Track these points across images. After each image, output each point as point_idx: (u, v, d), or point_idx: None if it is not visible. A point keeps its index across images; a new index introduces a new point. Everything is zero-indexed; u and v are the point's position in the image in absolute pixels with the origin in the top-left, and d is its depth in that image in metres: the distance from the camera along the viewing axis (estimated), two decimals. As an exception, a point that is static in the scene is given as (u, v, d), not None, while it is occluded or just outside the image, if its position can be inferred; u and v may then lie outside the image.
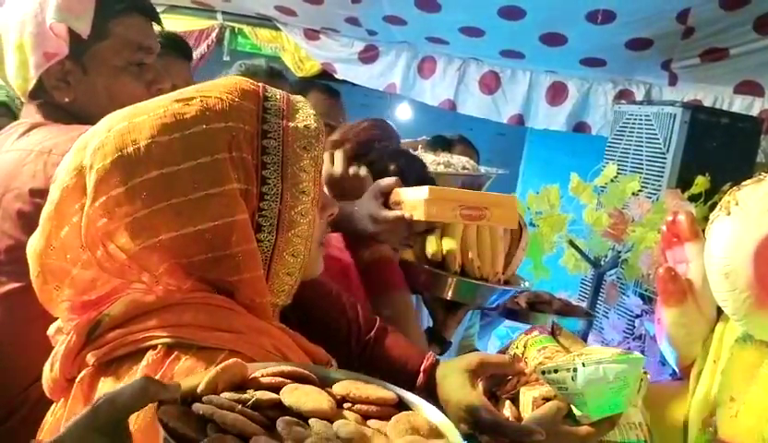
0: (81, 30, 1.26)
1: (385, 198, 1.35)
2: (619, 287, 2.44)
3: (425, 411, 0.75)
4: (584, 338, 1.89)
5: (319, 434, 0.64)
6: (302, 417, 0.67)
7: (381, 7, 3.22)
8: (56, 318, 0.92)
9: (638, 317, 2.31)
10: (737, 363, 1.11)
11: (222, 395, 0.67)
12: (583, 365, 0.92)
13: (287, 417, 0.65)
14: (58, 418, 0.86)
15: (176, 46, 1.97)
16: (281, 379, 0.71)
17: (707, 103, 3.05)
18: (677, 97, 3.12)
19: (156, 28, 1.42)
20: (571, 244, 2.39)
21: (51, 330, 0.92)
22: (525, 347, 1.10)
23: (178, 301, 0.83)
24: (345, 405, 0.73)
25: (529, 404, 0.99)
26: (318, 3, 3.31)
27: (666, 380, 1.76)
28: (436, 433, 0.71)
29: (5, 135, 1.31)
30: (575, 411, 0.95)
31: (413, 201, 1.29)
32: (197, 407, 0.64)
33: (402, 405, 0.76)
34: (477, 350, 1.95)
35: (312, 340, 0.92)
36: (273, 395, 0.68)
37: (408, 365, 1.08)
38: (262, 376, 0.71)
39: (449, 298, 1.40)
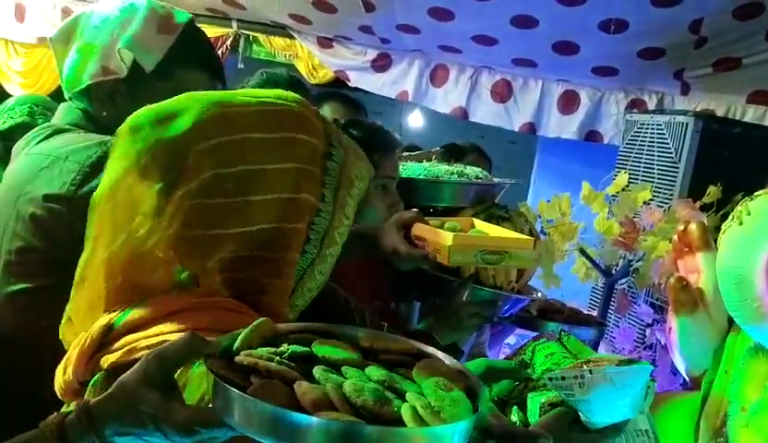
0: (145, 65, 1.33)
1: (406, 230, 1.37)
2: (630, 296, 2.44)
3: (442, 358, 0.79)
4: (595, 347, 1.89)
5: (354, 379, 0.68)
6: (334, 367, 0.71)
7: (394, 16, 3.24)
8: (59, 319, 0.95)
9: (649, 326, 2.31)
10: (748, 373, 1.11)
11: (258, 350, 0.71)
12: (590, 372, 0.93)
13: (322, 365, 0.70)
14: None
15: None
16: (309, 335, 0.76)
17: (720, 113, 3.05)
18: (689, 106, 3.12)
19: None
20: (582, 252, 2.39)
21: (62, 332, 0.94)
22: (533, 353, 1.11)
23: (191, 305, 0.85)
24: (370, 357, 0.77)
25: (536, 410, 1.00)
26: (331, 11, 3.34)
27: (677, 390, 1.76)
28: (456, 375, 0.75)
29: (28, 137, 1.35)
30: (582, 417, 0.96)
31: (436, 243, 1.32)
32: (240, 358, 0.69)
33: (421, 356, 0.80)
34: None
35: None
36: (306, 348, 0.73)
37: None
38: (291, 332, 0.76)
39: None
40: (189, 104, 0.91)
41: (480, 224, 1.51)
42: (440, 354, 0.80)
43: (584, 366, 0.95)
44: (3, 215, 1.29)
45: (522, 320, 1.75)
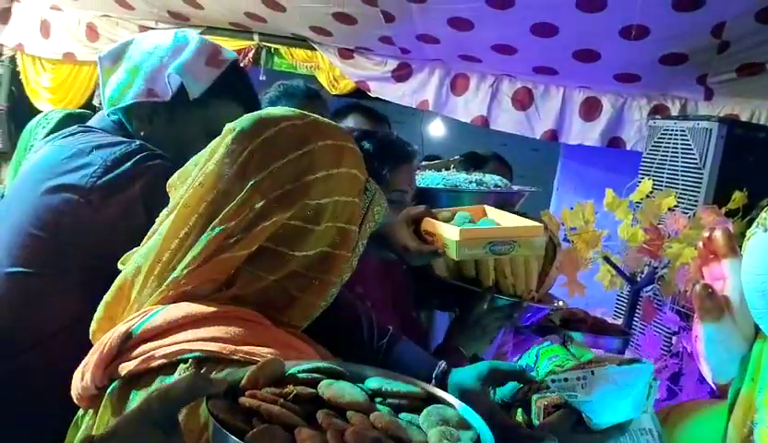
0: (191, 92, 1.39)
1: (416, 225, 1.37)
2: (656, 304, 2.41)
3: (452, 404, 0.79)
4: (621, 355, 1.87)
5: (358, 425, 0.67)
6: (339, 410, 0.71)
7: (414, 26, 3.26)
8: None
9: (675, 333, 2.28)
10: (776, 381, 1.10)
11: (263, 390, 0.71)
12: (592, 372, 0.94)
13: (326, 410, 0.70)
14: (88, 428, 0.89)
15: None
16: (317, 375, 0.75)
17: (744, 118, 3.01)
18: (712, 112, 3.09)
19: None
20: (607, 260, 2.37)
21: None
22: (537, 356, 1.12)
23: (208, 315, 0.87)
24: (377, 399, 0.77)
25: (540, 412, 1.00)
26: (352, 22, 3.36)
27: (705, 398, 1.73)
28: (464, 424, 0.75)
29: (57, 134, 1.39)
30: (585, 418, 0.97)
31: (444, 239, 1.32)
32: (243, 400, 0.69)
33: (429, 400, 0.80)
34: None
35: (327, 346, 0.96)
36: (312, 389, 0.73)
37: (420, 372, 1.10)
38: (299, 372, 0.75)
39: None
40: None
41: (493, 212, 1.49)
42: (450, 399, 0.80)
43: (586, 367, 0.95)
44: (20, 197, 1.33)
45: (544, 330, 1.73)
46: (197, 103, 1.39)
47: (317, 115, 0.98)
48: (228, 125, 0.96)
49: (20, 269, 1.26)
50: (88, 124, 1.43)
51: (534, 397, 1.03)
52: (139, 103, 1.39)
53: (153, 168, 1.26)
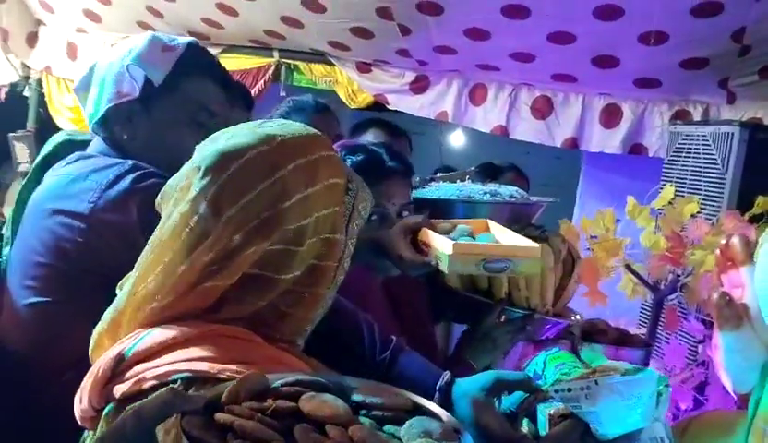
0: (154, 79, 1.41)
1: (413, 236, 1.37)
2: (680, 312, 2.38)
3: (438, 414, 0.78)
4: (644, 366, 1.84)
5: (335, 439, 0.67)
6: (320, 424, 0.70)
7: (430, 38, 3.27)
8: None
9: (700, 342, 2.24)
10: (796, 390, 1.07)
11: (243, 404, 0.70)
12: (596, 382, 0.93)
13: (304, 424, 0.69)
14: None
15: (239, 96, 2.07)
16: (299, 388, 0.75)
17: (767, 121, 2.96)
18: (736, 115, 3.03)
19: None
20: (628, 268, 2.35)
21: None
22: (544, 364, 1.11)
23: (198, 335, 0.88)
24: (361, 412, 0.76)
25: (546, 422, 0.99)
26: (369, 37, 3.39)
27: (731, 408, 1.70)
28: (449, 436, 0.74)
29: (59, 164, 1.43)
30: (592, 428, 0.96)
31: (438, 252, 1.31)
32: (218, 416, 0.68)
33: (416, 412, 0.79)
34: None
35: (328, 359, 0.96)
36: (292, 403, 0.72)
37: (424, 384, 1.10)
38: (281, 385, 0.75)
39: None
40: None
41: (495, 228, 1.48)
42: (438, 410, 0.79)
43: (590, 377, 0.94)
44: (26, 230, 1.37)
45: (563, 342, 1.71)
46: (167, 89, 1.41)
47: (284, 135, 0.93)
48: (192, 164, 0.93)
49: (36, 299, 1.29)
50: (87, 151, 1.46)
51: (541, 407, 1.02)
52: (115, 107, 1.41)
53: (147, 187, 1.27)
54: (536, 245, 1.34)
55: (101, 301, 1.00)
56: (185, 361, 0.84)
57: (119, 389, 0.86)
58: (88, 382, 0.90)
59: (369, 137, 2.56)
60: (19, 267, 1.34)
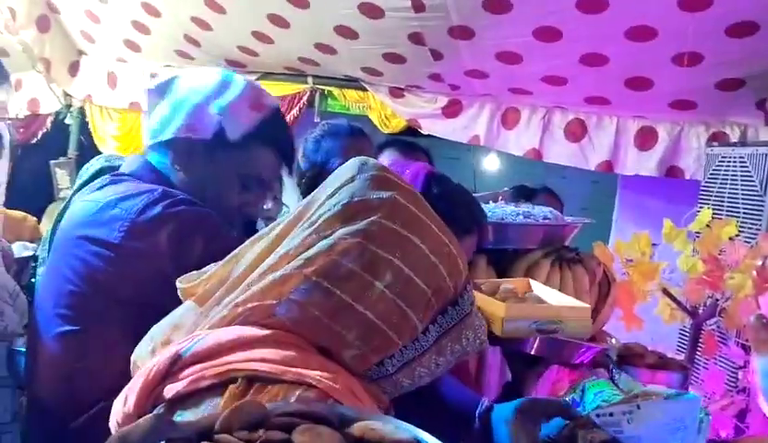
0: (231, 134, 1.40)
1: None
2: (719, 337, 2.33)
3: None
4: (682, 391, 1.80)
5: None
6: None
7: (462, 62, 3.29)
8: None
9: (741, 368, 2.19)
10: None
11: (234, 434, 0.68)
12: (638, 407, 0.92)
13: None
14: None
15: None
16: (297, 419, 0.71)
17: (807, 142, 2.90)
18: (774, 137, 2.98)
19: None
20: (666, 292, 2.31)
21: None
22: (584, 391, 1.09)
23: (259, 338, 0.86)
24: None
25: None
26: (401, 62, 3.42)
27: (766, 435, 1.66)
28: None
29: (91, 185, 1.44)
30: None
31: (488, 313, 1.30)
32: None
33: None
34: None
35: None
36: (283, 434, 0.69)
37: (463, 410, 1.08)
38: (277, 415, 0.72)
39: (530, 353, 1.39)
40: None
41: (536, 286, 1.48)
42: None
43: (633, 401, 0.93)
44: (57, 257, 1.37)
45: (597, 367, 1.69)
46: (235, 145, 1.40)
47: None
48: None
49: (68, 328, 1.29)
50: (121, 170, 1.45)
51: (581, 433, 1.01)
52: (179, 138, 1.40)
53: (177, 215, 1.28)
54: (586, 305, 1.35)
55: (132, 330, 1.00)
56: (246, 361, 0.83)
57: (172, 389, 0.84)
58: (137, 382, 0.87)
59: (384, 158, 2.52)
60: (51, 295, 1.34)
